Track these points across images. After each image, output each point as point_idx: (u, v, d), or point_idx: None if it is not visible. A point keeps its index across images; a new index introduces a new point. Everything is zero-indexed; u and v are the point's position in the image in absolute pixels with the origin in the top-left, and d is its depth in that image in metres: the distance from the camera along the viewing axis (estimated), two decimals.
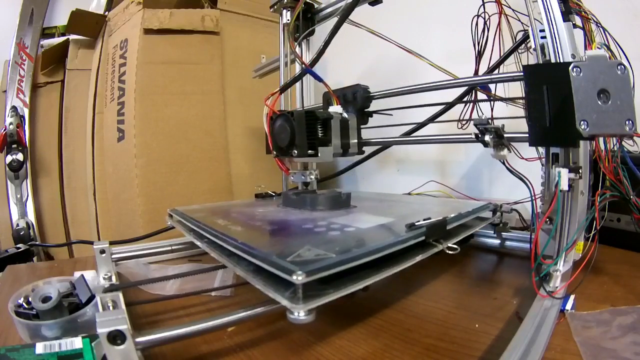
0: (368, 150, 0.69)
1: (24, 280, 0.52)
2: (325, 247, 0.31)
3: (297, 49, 0.71)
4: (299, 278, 0.25)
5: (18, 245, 1.03)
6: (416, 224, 0.36)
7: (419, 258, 0.35)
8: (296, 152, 0.52)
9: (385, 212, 0.51)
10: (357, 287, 0.28)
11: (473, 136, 0.45)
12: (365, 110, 0.62)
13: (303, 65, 0.56)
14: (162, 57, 0.95)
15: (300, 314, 0.25)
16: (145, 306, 0.42)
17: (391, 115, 0.62)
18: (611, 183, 0.42)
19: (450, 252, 0.37)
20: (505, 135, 0.43)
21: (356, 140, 0.60)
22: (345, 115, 0.58)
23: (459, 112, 0.64)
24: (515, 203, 0.59)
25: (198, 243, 0.43)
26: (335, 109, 0.57)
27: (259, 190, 0.70)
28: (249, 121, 1.06)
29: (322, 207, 0.51)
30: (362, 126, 0.62)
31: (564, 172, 0.37)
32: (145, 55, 0.93)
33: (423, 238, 0.36)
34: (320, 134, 0.54)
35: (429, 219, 0.38)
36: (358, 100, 0.61)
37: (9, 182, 1.22)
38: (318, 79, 0.58)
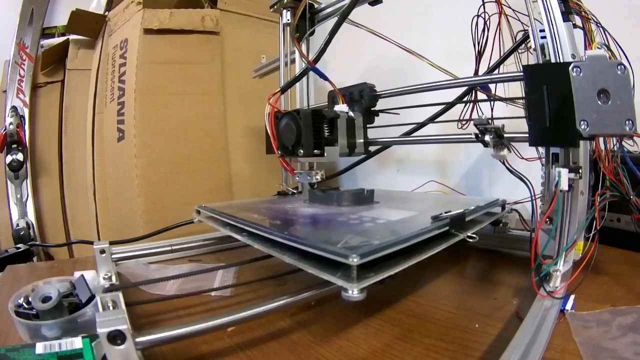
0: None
1: (24, 280, 0.52)
2: (365, 236, 0.34)
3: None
4: (354, 260, 0.28)
5: (18, 245, 1.03)
6: (440, 215, 0.40)
7: (444, 246, 0.38)
8: (302, 151, 0.52)
9: (405, 207, 0.53)
10: (396, 270, 0.31)
11: (473, 136, 0.45)
12: (372, 109, 0.61)
13: (307, 64, 0.55)
14: (162, 57, 0.95)
15: (354, 292, 0.28)
16: (145, 306, 0.42)
17: (398, 114, 0.62)
18: (611, 183, 0.42)
19: (470, 240, 0.40)
20: (505, 135, 0.43)
21: (362, 140, 0.60)
22: (351, 114, 0.57)
23: (458, 113, 0.64)
24: (515, 203, 0.59)
25: (237, 236, 0.45)
26: (341, 107, 0.57)
27: (280, 188, 0.72)
28: (249, 121, 1.06)
29: (347, 202, 0.54)
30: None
31: (564, 172, 0.37)
32: (145, 55, 0.93)
33: (447, 228, 0.39)
34: (326, 133, 0.54)
35: (450, 211, 0.40)
36: (365, 99, 0.60)
37: (9, 182, 1.22)
38: (323, 77, 0.57)
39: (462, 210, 0.42)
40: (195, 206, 0.58)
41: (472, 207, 0.45)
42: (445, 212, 0.40)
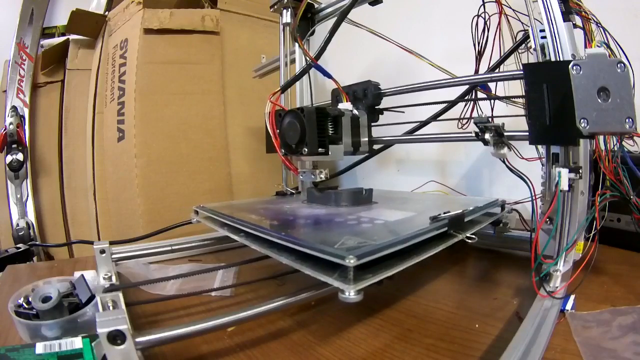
0: None
1: (24, 280, 0.52)
2: (363, 237, 0.34)
3: (298, 49, 0.70)
4: (351, 261, 0.28)
5: (18, 245, 1.02)
6: (439, 216, 0.39)
7: (442, 246, 0.37)
8: (306, 150, 0.51)
9: (404, 207, 0.53)
10: (394, 271, 0.31)
11: (473, 134, 0.45)
12: (376, 107, 0.61)
13: (310, 61, 0.55)
14: (162, 57, 0.95)
15: (351, 293, 0.27)
16: (145, 306, 0.42)
17: (403, 112, 0.61)
18: (611, 183, 0.42)
19: (469, 241, 0.40)
20: (505, 133, 0.43)
21: (367, 139, 0.60)
22: (355, 112, 0.57)
23: (459, 112, 0.64)
24: (516, 203, 0.59)
25: (234, 237, 0.45)
26: (346, 105, 0.57)
27: (279, 188, 0.72)
28: (249, 121, 1.06)
29: (346, 203, 0.54)
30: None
31: (564, 172, 0.37)
32: (145, 55, 0.93)
33: (446, 229, 0.39)
34: (330, 132, 0.53)
35: (449, 212, 0.40)
36: (369, 97, 0.60)
37: (9, 182, 1.22)
38: (326, 74, 0.56)
39: (461, 211, 0.42)
40: (194, 206, 0.58)
41: (471, 208, 0.45)
42: (444, 213, 0.40)
